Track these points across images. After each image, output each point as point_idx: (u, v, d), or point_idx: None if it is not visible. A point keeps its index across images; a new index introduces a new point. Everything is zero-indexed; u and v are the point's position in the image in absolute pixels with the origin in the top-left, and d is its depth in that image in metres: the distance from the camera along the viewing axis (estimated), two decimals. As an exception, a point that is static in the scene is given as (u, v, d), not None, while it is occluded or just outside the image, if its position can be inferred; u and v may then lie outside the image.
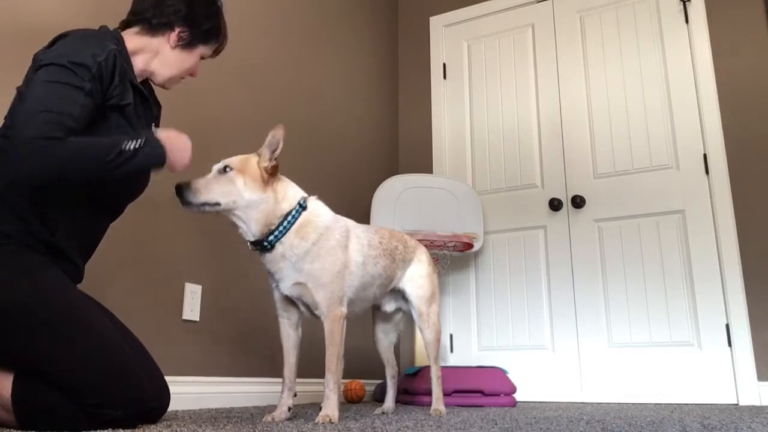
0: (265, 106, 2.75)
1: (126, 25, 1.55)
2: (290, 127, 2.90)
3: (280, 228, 1.61)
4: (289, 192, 1.69)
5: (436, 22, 4.02)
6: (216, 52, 1.69)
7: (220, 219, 2.43)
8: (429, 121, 3.89)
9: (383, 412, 2.02)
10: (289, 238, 1.62)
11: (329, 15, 3.33)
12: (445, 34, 4.00)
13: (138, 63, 1.52)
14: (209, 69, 2.45)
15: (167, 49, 1.56)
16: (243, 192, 1.60)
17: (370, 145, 3.62)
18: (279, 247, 1.61)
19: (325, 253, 1.64)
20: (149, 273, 2.09)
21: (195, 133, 2.34)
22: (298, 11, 3.05)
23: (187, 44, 1.58)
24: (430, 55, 3.99)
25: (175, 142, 1.43)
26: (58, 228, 1.35)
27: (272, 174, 1.65)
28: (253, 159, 1.66)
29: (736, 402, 2.84)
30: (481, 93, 3.81)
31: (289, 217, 1.63)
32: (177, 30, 1.55)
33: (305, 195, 1.73)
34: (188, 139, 1.47)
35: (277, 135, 1.66)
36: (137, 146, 1.32)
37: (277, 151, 1.66)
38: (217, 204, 1.59)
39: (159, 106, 1.66)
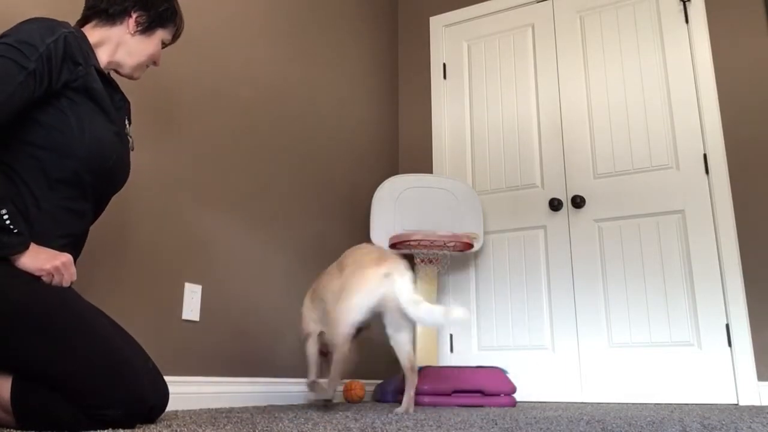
0: (265, 107, 2.75)
1: (84, 21, 1.56)
2: (290, 128, 2.91)
3: None
4: None
5: (436, 22, 4.02)
6: (175, 37, 1.70)
7: (219, 219, 2.43)
8: (429, 121, 3.90)
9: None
10: None
11: (329, 15, 3.34)
12: (445, 34, 4.00)
13: (102, 56, 1.53)
14: (212, 70, 2.46)
15: (128, 37, 1.57)
16: None
17: (370, 145, 3.62)
18: None
19: None
20: (149, 273, 2.09)
21: (196, 135, 2.34)
22: (297, 11, 3.05)
23: (146, 29, 1.58)
24: (430, 55, 3.99)
25: (40, 253, 1.30)
26: (44, 227, 1.35)
27: None
28: None
29: (736, 402, 2.84)
30: (481, 93, 3.81)
31: None
32: (134, 15, 1.56)
33: None
34: (61, 258, 1.33)
35: None
36: (8, 226, 1.24)
37: None
38: None
39: (128, 102, 1.66)
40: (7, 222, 1.24)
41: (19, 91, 1.28)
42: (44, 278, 1.30)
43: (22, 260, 1.27)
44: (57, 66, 1.35)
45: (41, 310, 1.24)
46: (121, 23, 1.55)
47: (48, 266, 1.29)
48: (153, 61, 1.65)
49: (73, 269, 1.36)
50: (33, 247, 1.29)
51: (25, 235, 1.28)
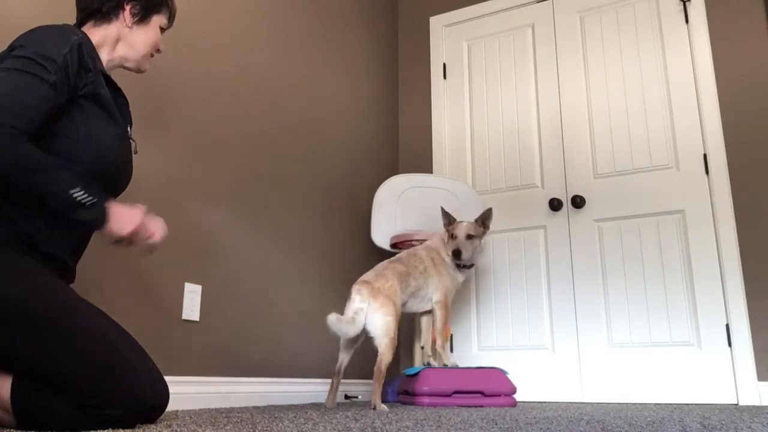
0: (265, 107, 2.75)
1: (80, 24, 1.56)
2: (290, 127, 2.91)
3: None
4: None
5: (436, 22, 4.02)
6: (171, 20, 1.69)
7: (219, 219, 2.43)
8: (429, 121, 3.90)
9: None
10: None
11: (329, 15, 3.34)
12: (445, 34, 4.00)
13: (103, 55, 1.53)
14: (212, 70, 2.46)
15: (126, 31, 1.57)
16: (478, 247, 2.75)
17: (370, 145, 3.62)
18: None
19: None
20: (149, 273, 2.09)
21: (196, 135, 2.34)
22: (297, 12, 3.05)
23: (142, 18, 1.58)
24: (430, 55, 3.99)
25: (122, 216, 1.38)
26: (46, 228, 1.35)
27: (482, 233, 2.77)
28: (476, 225, 2.73)
29: (736, 402, 2.84)
30: (481, 93, 3.81)
31: None
32: (127, 7, 1.56)
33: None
34: (138, 215, 1.41)
35: (490, 214, 2.77)
36: (86, 201, 1.31)
37: (488, 223, 2.76)
38: (472, 257, 2.72)
39: (126, 101, 1.66)
40: (84, 198, 1.29)
41: (44, 104, 1.30)
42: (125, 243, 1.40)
43: (110, 227, 1.36)
44: (73, 76, 1.37)
45: (41, 311, 1.24)
46: (117, 18, 1.55)
47: (127, 231, 1.37)
48: (156, 49, 1.65)
49: (152, 227, 1.44)
50: (111, 213, 1.36)
51: (101, 201, 1.34)
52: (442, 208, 2.78)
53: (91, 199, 1.31)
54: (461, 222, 2.72)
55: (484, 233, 2.76)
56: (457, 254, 2.63)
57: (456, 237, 2.68)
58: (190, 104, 2.35)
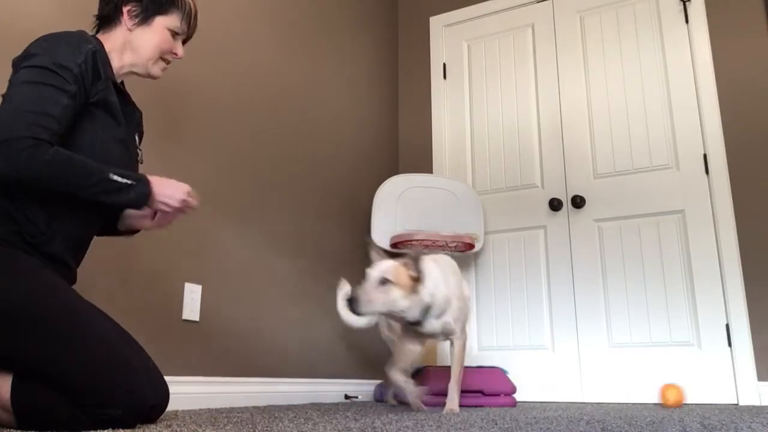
0: (265, 107, 2.75)
1: (96, 30, 1.56)
2: (290, 128, 2.91)
3: (426, 316, 2.07)
4: (428, 287, 2.02)
5: (436, 22, 4.02)
6: (189, 26, 1.61)
7: (219, 219, 2.43)
8: (429, 121, 3.89)
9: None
10: (431, 322, 2.10)
11: (329, 15, 3.33)
12: (445, 34, 4.00)
13: (114, 62, 1.52)
14: (212, 74, 2.46)
15: (129, 35, 1.54)
16: (398, 301, 1.96)
17: (370, 145, 3.62)
18: (427, 324, 2.10)
19: (455, 312, 2.16)
20: (149, 273, 2.09)
21: (195, 135, 2.34)
22: (297, 12, 3.05)
23: (142, 19, 1.53)
24: (430, 55, 3.99)
25: (168, 185, 1.44)
26: (48, 229, 1.35)
27: (416, 281, 1.99)
28: (402, 270, 1.98)
29: (736, 402, 2.84)
30: (481, 93, 3.81)
31: (429, 310, 2.06)
32: (125, 9, 1.53)
33: (436, 282, 2.05)
34: (182, 189, 1.45)
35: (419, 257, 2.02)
36: (126, 183, 1.34)
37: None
38: (380, 312, 2.01)
39: (140, 113, 1.66)
40: (121, 181, 1.32)
41: (66, 113, 1.32)
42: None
43: (156, 200, 1.41)
44: (88, 84, 1.38)
45: (41, 310, 1.24)
46: (119, 22, 1.54)
47: (180, 197, 1.43)
48: (169, 52, 1.59)
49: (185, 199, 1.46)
50: (154, 185, 1.40)
51: (142, 179, 1.37)
52: (379, 249, 2.17)
53: (131, 179, 1.35)
54: (384, 261, 2.03)
55: (417, 280, 1.99)
56: (351, 302, 1.93)
57: (366, 278, 1.98)
58: (190, 105, 2.35)
